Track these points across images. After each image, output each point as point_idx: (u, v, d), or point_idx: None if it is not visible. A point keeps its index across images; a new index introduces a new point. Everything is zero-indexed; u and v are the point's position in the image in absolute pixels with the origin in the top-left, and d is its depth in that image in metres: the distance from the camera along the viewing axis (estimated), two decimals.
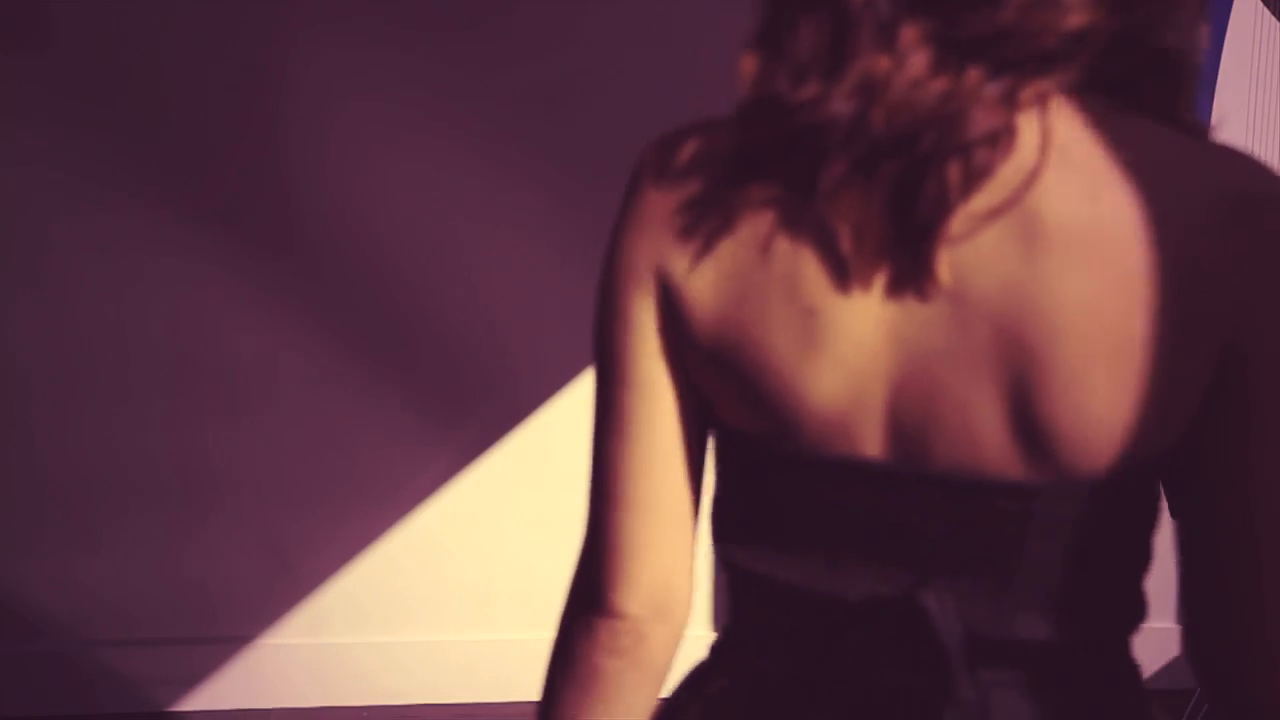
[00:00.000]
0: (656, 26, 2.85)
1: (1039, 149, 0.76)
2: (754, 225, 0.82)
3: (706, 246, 0.84)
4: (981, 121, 0.75)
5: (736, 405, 0.87)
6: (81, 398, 2.89)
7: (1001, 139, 0.75)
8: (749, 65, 0.82)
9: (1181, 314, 0.76)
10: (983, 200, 0.77)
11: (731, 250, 0.83)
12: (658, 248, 0.86)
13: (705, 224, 0.84)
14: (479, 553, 3.04)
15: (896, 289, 0.79)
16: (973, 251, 0.78)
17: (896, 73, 0.75)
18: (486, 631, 3.08)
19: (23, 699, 2.95)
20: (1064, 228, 0.76)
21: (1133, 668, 0.89)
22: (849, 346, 0.81)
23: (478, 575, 3.05)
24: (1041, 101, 0.77)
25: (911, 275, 0.78)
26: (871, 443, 0.83)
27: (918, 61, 0.75)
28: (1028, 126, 0.77)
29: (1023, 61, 0.75)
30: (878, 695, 0.85)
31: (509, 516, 3.03)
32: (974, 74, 0.75)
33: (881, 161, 0.76)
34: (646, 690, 0.95)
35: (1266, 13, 2.65)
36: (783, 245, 0.81)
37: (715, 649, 1.02)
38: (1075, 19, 0.75)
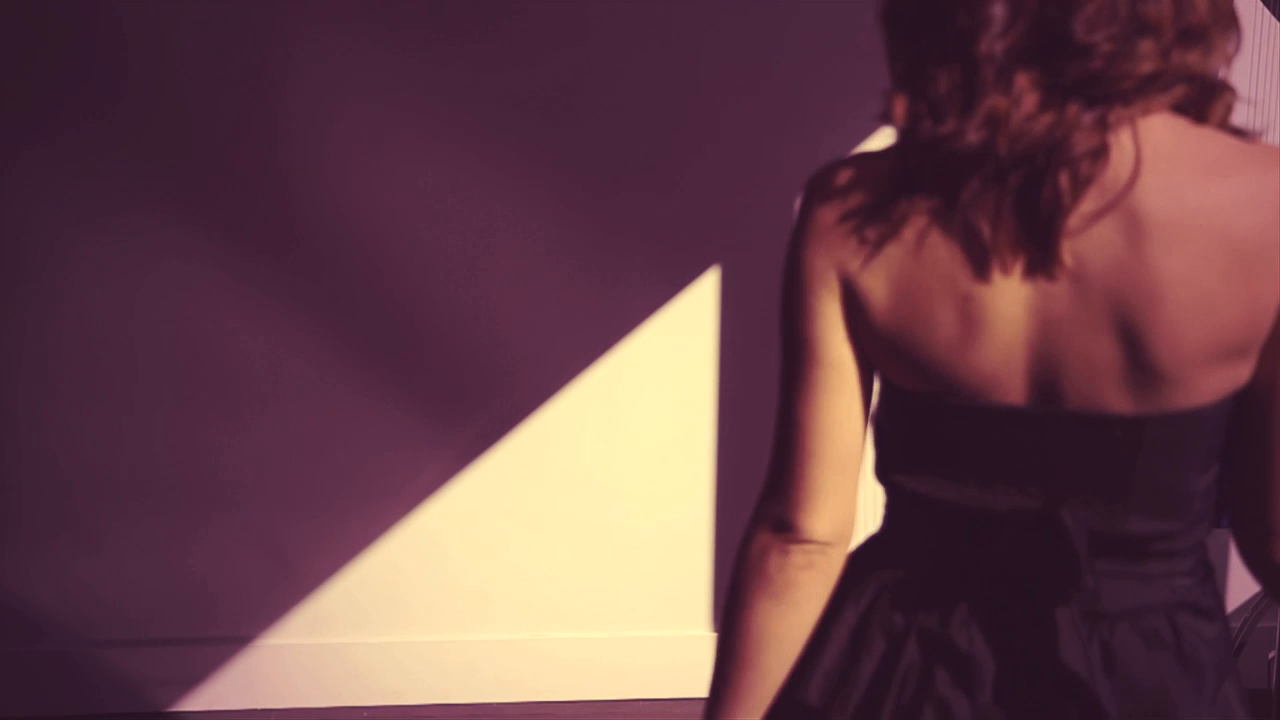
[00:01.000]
0: (658, 30, 2.85)
1: (1133, 161, 1.03)
2: (913, 231, 1.08)
3: (876, 250, 1.09)
4: (1082, 142, 1.01)
5: (907, 373, 1.12)
6: (83, 399, 2.89)
7: (1099, 154, 1.02)
8: (899, 107, 1.08)
9: (1250, 280, 1.03)
10: (1091, 203, 1.03)
11: (896, 252, 1.08)
12: (835, 253, 1.11)
13: (873, 232, 1.09)
14: (478, 553, 3.04)
15: (1030, 273, 1.05)
16: (1087, 241, 1.04)
17: (1014, 109, 1.01)
18: (486, 631, 3.08)
19: (24, 699, 2.94)
20: (1157, 219, 1.03)
21: (1206, 555, 1.15)
22: (997, 321, 1.07)
23: (477, 575, 3.05)
24: (1129, 125, 1.03)
25: (1041, 262, 1.05)
26: (1016, 392, 1.09)
27: (1030, 101, 1.01)
28: (1120, 144, 1.03)
29: (1109, 96, 1.02)
30: (1017, 584, 1.11)
31: (508, 517, 3.03)
32: (1073, 108, 1.01)
33: (1007, 176, 1.03)
34: (826, 593, 1.20)
35: (1266, 13, 2.65)
36: (937, 246, 1.07)
37: (872, 550, 1.23)
38: (1147, 66, 1.02)
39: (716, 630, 1.28)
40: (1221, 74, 1.08)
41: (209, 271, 2.86)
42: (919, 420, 1.14)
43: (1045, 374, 1.08)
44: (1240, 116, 1.10)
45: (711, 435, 3.03)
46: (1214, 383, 1.07)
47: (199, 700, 3.02)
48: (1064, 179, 1.02)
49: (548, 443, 3.00)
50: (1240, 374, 1.07)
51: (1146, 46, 1.02)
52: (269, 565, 2.99)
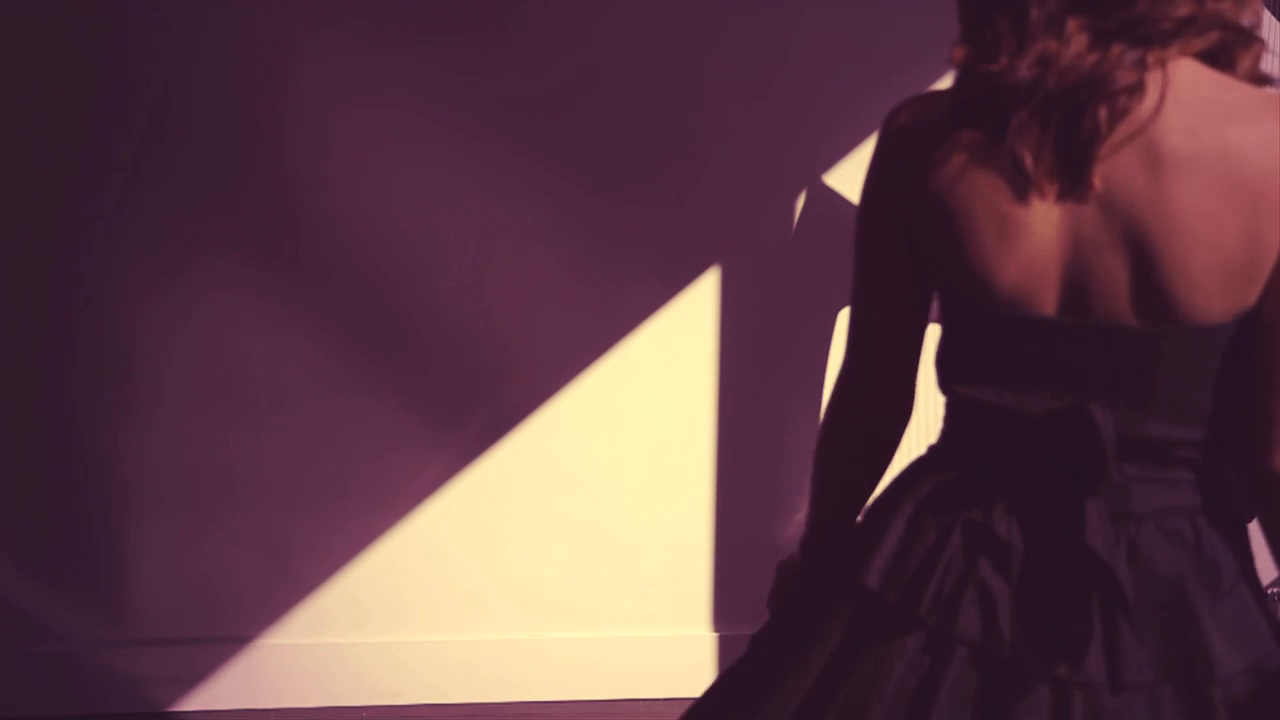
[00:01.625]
0: (658, 33, 2.85)
1: (1158, 99, 1.15)
2: (964, 158, 1.22)
3: (933, 175, 1.23)
4: (1122, 79, 1.14)
5: (954, 280, 1.26)
6: (84, 399, 2.89)
7: (1135, 90, 1.15)
8: (959, 53, 1.24)
9: (1256, 216, 1.15)
10: (1121, 133, 1.16)
11: (950, 176, 1.22)
12: (899, 178, 1.27)
13: (931, 159, 1.23)
14: (478, 553, 3.04)
15: (1063, 196, 1.18)
16: (1115, 168, 1.17)
17: (1064, 50, 1.15)
18: (486, 631, 3.08)
19: (24, 699, 2.95)
20: (1174, 154, 1.15)
21: (1219, 460, 1.26)
22: (1031, 238, 1.20)
23: (477, 575, 3.05)
24: (1162, 65, 1.16)
25: (1074, 186, 1.18)
26: (1048, 304, 1.22)
27: (1078, 42, 1.15)
28: (1153, 82, 1.16)
29: (1149, 38, 1.15)
30: (1053, 480, 1.23)
31: (508, 516, 3.03)
32: (1116, 48, 1.15)
33: (1053, 110, 1.16)
34: (888, 459, 1.42)
35: (1266, 12, 2.66)
36: (983, 171, 1.21)
37: (932, 455, 1.38)
38: (1184, 9, 1.15)
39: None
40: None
41: (210, 271, 2.86)
42: (966, 330, 1.29)
43: (1073, 288, 1.21)
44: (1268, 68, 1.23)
45: (711, 435, 3.04)
46: (1222, 304, 1.19)
47: (199, 700, 3.02)
48: (1103, 111, 1.15)
49: (548, 443, 3.01)
50: (1247, 296, 1.19)
51: None
52: (269, 565, 2.99)
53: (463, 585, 3.06)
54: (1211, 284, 1.18)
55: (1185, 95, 1.16)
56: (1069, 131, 1.17)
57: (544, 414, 2.99)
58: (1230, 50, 1.19)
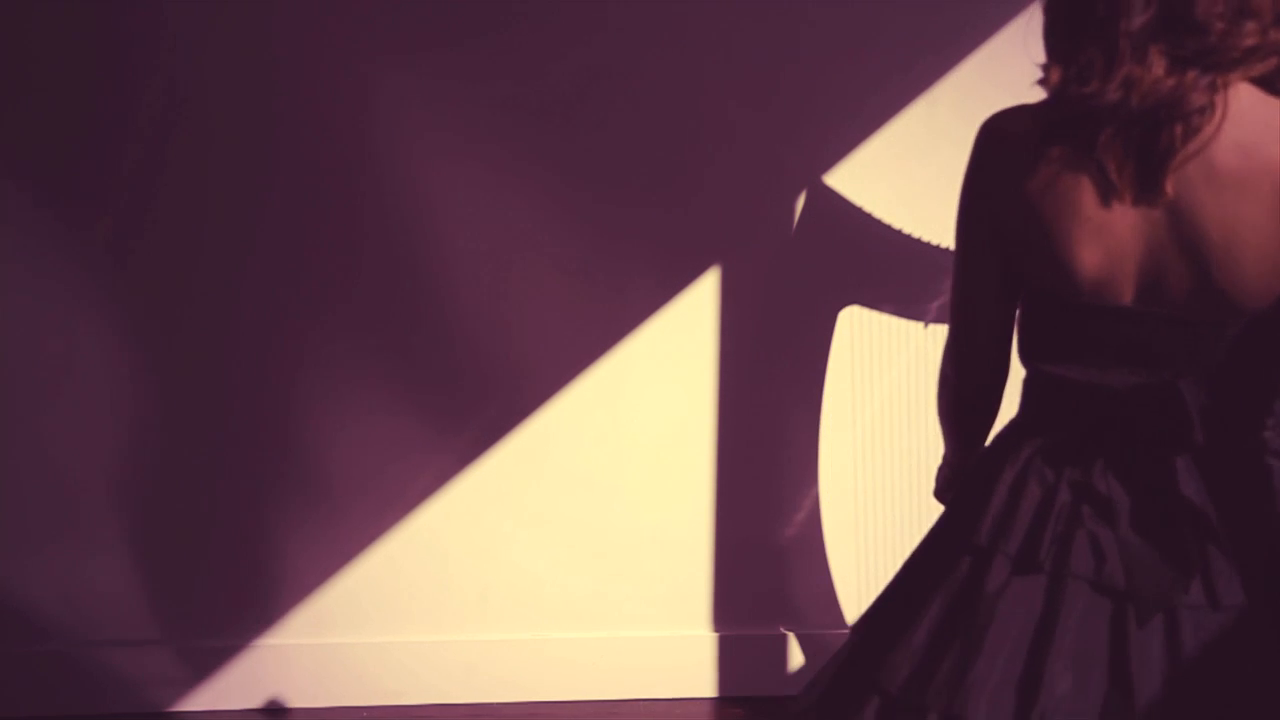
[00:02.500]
0: (661, 36, 2.85)
1: (1219, 119, 1.35)
2: (1054, 169, 1.42)
3: (1025, 183, 1.44)
4: (1196, 101, 1.34)
5: (1042, 273, 1.47)
6: (86, 400, 2.89)
7: (1206, 111, 1.34)
8: (1054, 74, 1.40)
9: None
10: (1190, 148, 1.35)
11: (1042, 184, 1.43)
12: (995, 183, 1.48)
13: (1024, 168, 1.44)
14: (478, 553, 3.04)
15: (1139, 202, 1.39)
16: (1183, 179, 1.37)
17: (1146, 75, 1.34)
18: (486, 631, 3.08)
19: (24, 699, 2.95)
20: (1229, 169, 1.36)
21: (1266, 421, 1.47)
22: (1111, 238, 1.41)
23: (477, 575, 3.06)
24: (1224, 88, 1.35)
25: (1149, 193, 1.38)
26: (1125, 296, 1.43)
27: (1158, 67, 1.34)
28: (1218, 103, 1.35)
29: (1218, 65, 1.34)
30: (1142, 442, 1.46)
31: (508, 516, 3.03)
32: (1191, 74, 1.34)
33: (1135, 127, 1.36)
34: (990, 423, 1.65)
35: None
36: (1071, 180, 1.41)
37: (1018, 427, 1.58)
38: (1250, 39, 1.34)
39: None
40: None
41: (211, 273, 2.86)
42: (1050, 316, 1.49)
43: (1146, 281, 1.42)
44: None
45: (712, 435, 3.04)
46: (1269, 294, 1.40)
47: (199, 700, 3.02)
48: (1179, 129, 1.35)
49: (548, 443, 3.01)
50: None
51: (1250, 26, 1.34)
52: (270, 565, 2.99)
53: (463, 585, 3.06)
54: (1261, 280, 1.38)
55: (1242, 116, 1.37)
56: (1148, 146, 1.37)
57: (544, 414, 2.99)
58: None
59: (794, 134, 2.90)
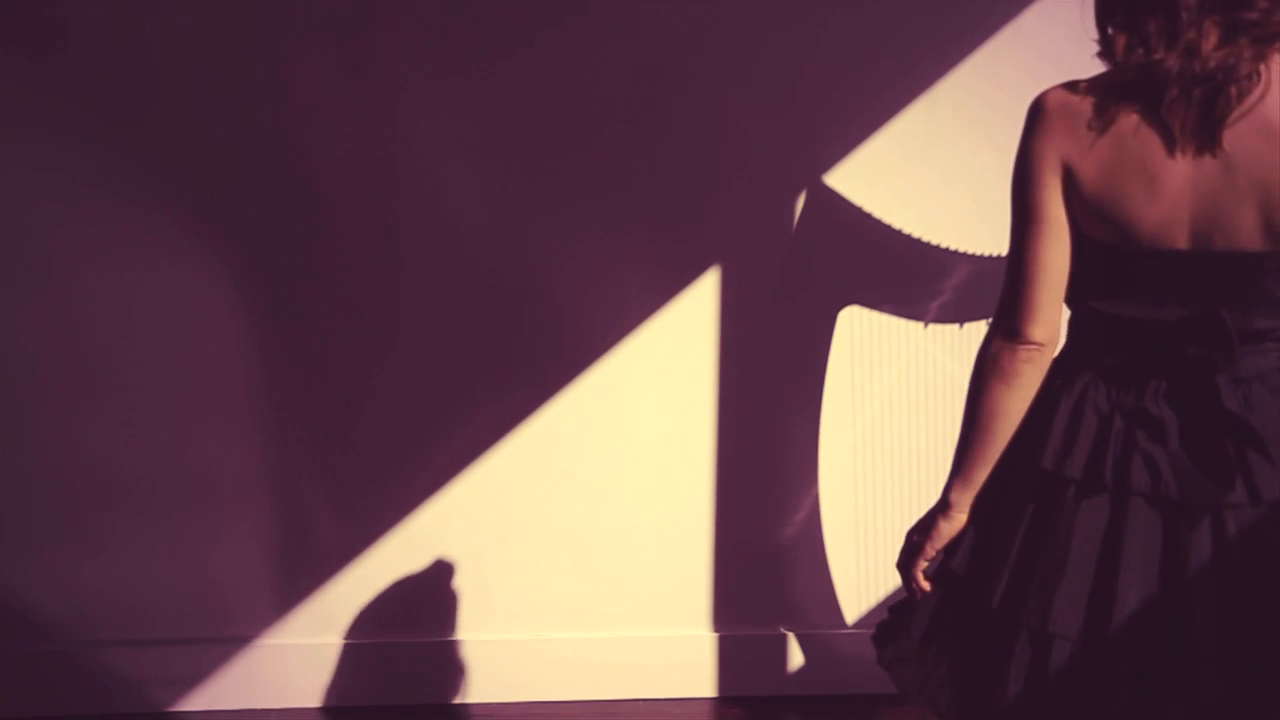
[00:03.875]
0: (660, 37, 2.85)
1: (1265, 83, 1.58)
2: (1119, 129, 1.61)
3: (1091, 142, 1.62)
4: (1247, 66, 1.57)
5: (1103, 228, 1.65)
6: (88, 402, 2.89)
7: (1254, 75, 1.57)
8: (1119, 43, 1.60)
9: None
10: (1242, 108, 1.57)
11: (1105, 144, 1.62)
12: (1059, 145, 1.64)
13: (1091, 130, 1.62)
14: (478, 553, 3.05)
15: (1198, 155, 1.59)
16: (1237, 135, 1.58)
17: (1204, 43, 1.57)
18: (486, 631, 3.08)
19: (26, 699, 2.95)
20: (1276, 126, 1.57)
21: None
22: (1170, 191, 1.60)
23: (477, 575, 3.06)
24: (1268, 59, 1.58)
25: (1207, 147, 1.58)
26: (1180, 240, 1.62)
27: (1213, 38, 1.57)
28: (1264, 70, 1.57)
29: (1263, 37, 1.57)
30: (1186, 366, 1.65)
31: (508, 516, 3.04)
32: (1243, 42, 1.57)
33: (1195, 89, 1.57)
34: (1039, 380, 1.72)
35: None
36: (1136, 139, 1.60)
37: (1065, 361, 1.74)
38: None
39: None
40: None
41: (210, 273, 2.86)
42: (1107, 263, 1.66)
43: (1199, 227, 1.61)
44: None
45: (712, 435, 3.04)
46: None
47: (199, 700, 3.02)
48: (1233, 90, 1.56)
49: (548, 443, 3.01)
50: None
51: None
52: (269, 565, 3.00)
53: (463, 585, 3.06)
54: None
55: None
56: (1207, 104, 1.57)
57: (544, 414, 3.00)
58: None
59: (794, 134, 2.90)
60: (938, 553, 1.80)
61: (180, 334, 2.89)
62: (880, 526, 3.06)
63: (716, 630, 3.11)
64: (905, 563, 1.83)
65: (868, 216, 2.95)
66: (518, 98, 2.86)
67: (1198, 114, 1.58)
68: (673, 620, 3.10)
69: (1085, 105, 1.63)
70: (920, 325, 2.99)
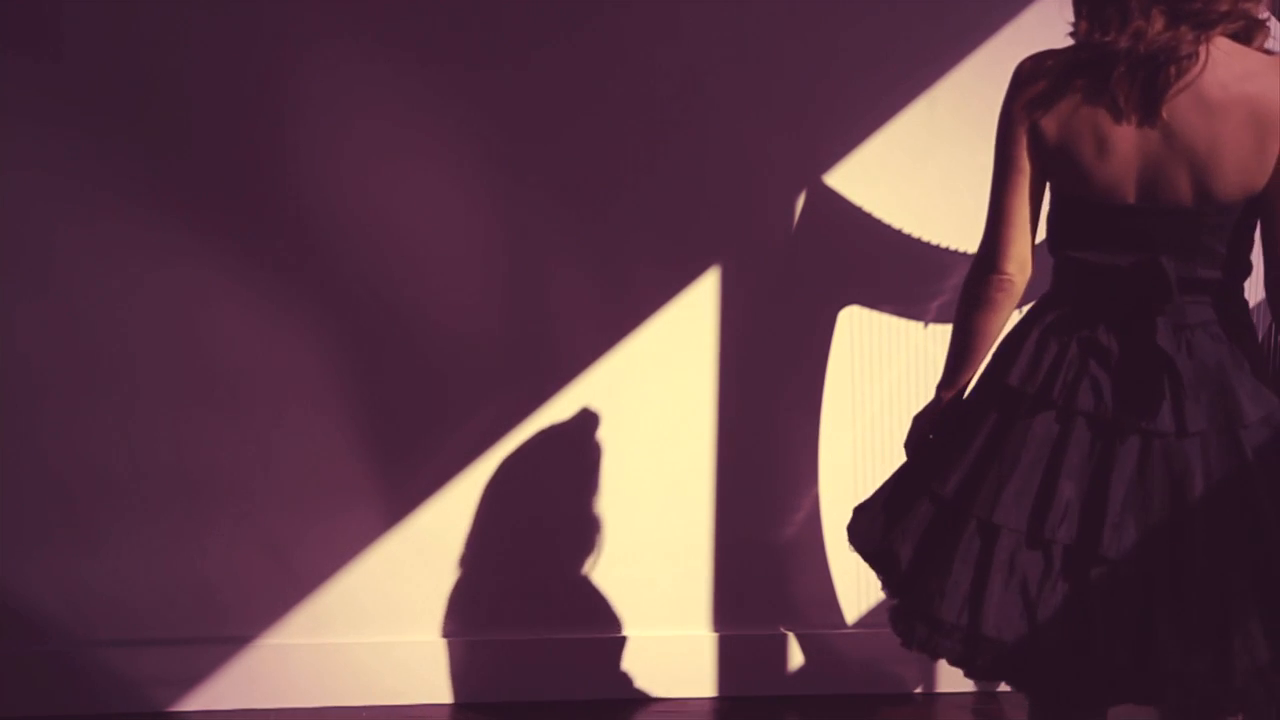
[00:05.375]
0: (661, 33, 2.85)
1: (1203, 63, 1.81)
2: (1076, 96, 1.86)
3: (1054, 107, 1.87)
4: (1185, 49, 1.79)
5: (1066, 181, 1.91)
6: (87, 401, 2.89)
7: (1192, 57, 1.80)
8: (1083, 26, 1.85)
9: (1265, 141, 1.83)
10: (1181, 84, 1.81)
11: (1065, 109, 1.87)
12: (1030, 107, 1.89)
13: (1053, 96, 1.87)
14: (478, 553, 3.04)
15: (1142, 124, 1.83)
16: (1175, 107, 1.82)
17: (1149, 28, 1.79)
18: (486, 631, 3.08)
19: (25, 699, 2.95)
20: (1213, 100, 1.81)
21: (1243, 296, 1.97)
22: (1119, 153, 1.85)
23: (477, 575, 3.05)
24: (1208, 41, 1.81)
25: (1149, 117, 1.82)
26: (1128, 196, 1.87)
27: (1158, 23, 1.79)
28: (1203, 52, 1.80)
29: (1202, 23, 1.79)
30: (1134, 306, 1.89)
31: (508, 516, 3.03)
32: (1184, 28, 1.79)
33: (1140, 67, 1.81)
34: (1013, 306, 1.99)
35: (1267, 12, 2.65)
36: (1089, 106, 1.85)
37: (1047, 299, 2.00)
38: (1225, 5, 1.80)
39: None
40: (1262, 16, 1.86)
41: (210, 273, 2.86)
42: (1074, 214, 1.93)
43: (1145, 185, 1.86)
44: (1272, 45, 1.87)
45: (712, 435, 3.04)
46: (1240, 190, 1.86)
47: (199, 700, 3.02)
48: (1172, 69, 1.80)
49: (548, 443, 3.01)
50: (1256, 185, 1.86)
51: None
52: (269, 565, 2.99)
53: (463, 585, 3.06)
54: (1234, 179, 1.84)
55: (1221, 61, 1.81)
56: (1149, 81, 1.81)
57: (544, 414, 2.99)
58: (1249, 32, 1.84)
59: (795, 134, 2.90)
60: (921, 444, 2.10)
61: (179, 334, 2.89)
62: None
63: (716, 630, 3.11)
64: (910, 446, 2.12)
65: (868, 216, 2.95)
66: (518, 99, 2.86)
67: (1141, 89, 1.82)
68: (673, 620, 3.10)
69: (1050, 73, 1.88)
70: (920, 325, 2.99)
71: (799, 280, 2.97)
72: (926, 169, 2.93)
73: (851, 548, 2.11)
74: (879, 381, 3.01)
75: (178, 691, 3.01)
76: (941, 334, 2.98)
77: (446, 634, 3.08)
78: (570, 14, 2.83)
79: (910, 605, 1.98)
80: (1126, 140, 1.84)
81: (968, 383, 2.06)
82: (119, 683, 2.99)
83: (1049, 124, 1.88)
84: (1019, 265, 1.96)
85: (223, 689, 3.02)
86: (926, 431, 2.10)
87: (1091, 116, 1.85)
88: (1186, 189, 1.85)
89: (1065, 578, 1.88)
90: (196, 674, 3.02)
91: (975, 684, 3.13)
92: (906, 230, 2.94)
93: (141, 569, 2.96)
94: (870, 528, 2.05)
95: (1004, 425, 1.94)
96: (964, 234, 2.94)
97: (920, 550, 1.97)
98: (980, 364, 2.04)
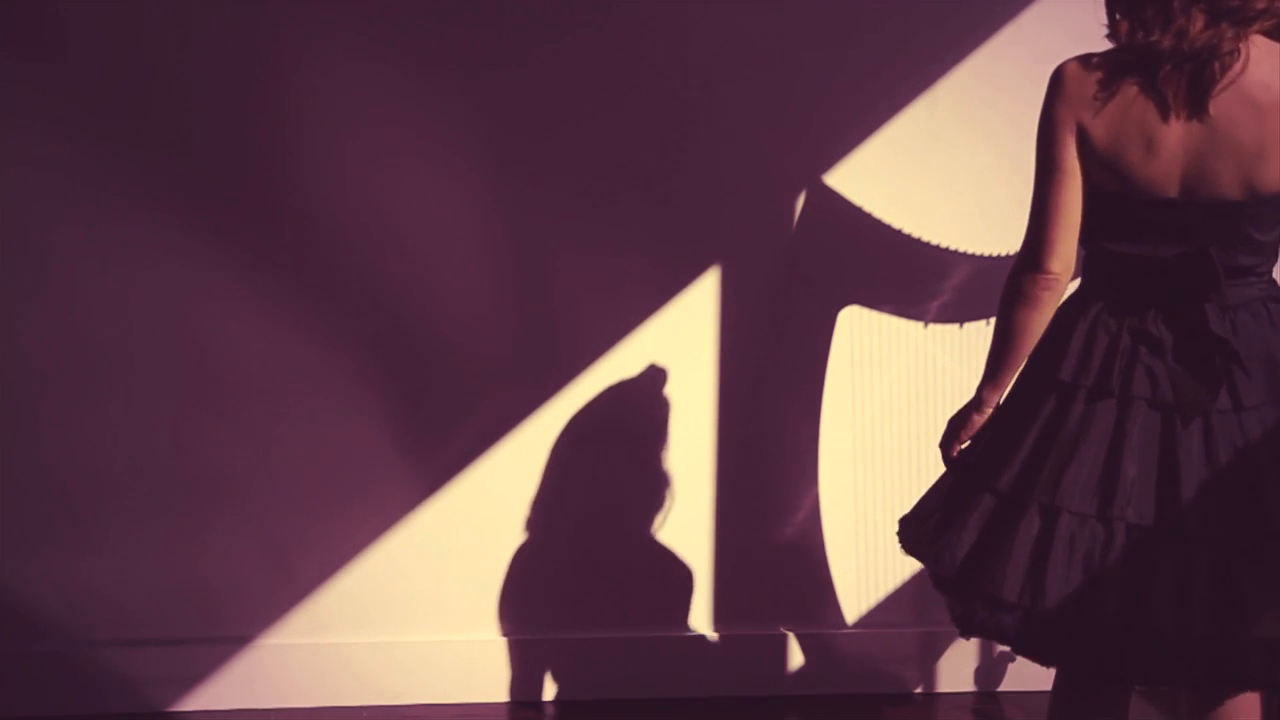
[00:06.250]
0: (661, 35, 2.85)
1: (1244, 60, 1.87)
2: (1123, 97, 1.91)
3: (1101, 109, 1.92)
4: (1228, 46, 1.86)
5: (1111, 179, 1.95)
6: (86, 401, 2.89)
7: (1234, 54, 1.87)
8: (1123, 26, 1.90)
9: None
10: (1225, 81, 1.87)
11: (1112, 110, 1.92)
12: (1075, 109, 1.94)
13: (1100, 98, 1.92)
14: (478, 553, 3.04)
15: (1189, 120, 1.89)
16: (1221, 104, 1.88)
17: (1191, 27, 1.86)
18: (486, 631, 3.08)
19: (24, 699, 2.95)
20: (1258, 97, 1.88)
21: (1274, 280, 2.04)
22: (1166, 150, 1.91)
23: (478, 575, 3.05)
24: (1246, 39, 1.88)
25: (1197, 113, 1.89)
26: (1172, 190, 1.93)
27: (1199, 22, 1.86)
28: (1243, 49, 1.87)
29: (1240, 21, 1.86)
30: (1180, 295, 1.96)
31: (509, 516, 3.03)
32: (1225, 26, 1.86)
33: (1185, 64, 1.87)
34: (1056, 304, 2.02)
35: None
36: (1137, 105, 1.91)
37: (1082, 294, 2.06)
38: (1261, 4, 1.87)
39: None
40: None
41: (210, 273, 2.86)
42: (1114, 209, 1.97)
43: (1188, 180, 1.92)
44: None
45: (712, 436, 3.04)
46: (1278, 183, 1.92)
47: (198, 700, 3.02)
48: (1216, 66, 1.86)
49: (548, 443, 3.01)
50: None
51: None
52: (269, 565, 2.99)
53: (463, 585, 3.06)
54: (1275, 172, 1.90)
55: (1261, 58, 1.89)
56: (1195, 79, 1.87)
57: (544, 414, 2.99)
58: None
59: (794, 134, 2.90)
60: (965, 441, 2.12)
61: (178, 333, 2.89)
62: (880, 526, 3.06)
63: (716, 630, 3.11)
64: (945, 446, 2.14)
65: (868, 216, 2.95)
66: (519, 99, 2.86)
67: (1188, 86, 1.87)
68: (673, 620, 3.10)
69: (1096, 76, 1.92)
70: (920, 325, 2.99)
71: (799, 280, 2.97)
72: (927, 169, 2.93)
73: (904, 551, 2.13)
74: (879, 381, 3.01)
75: (177, 691, 3.01)
76: (942, 334, 2.98)
77: (446, 634, 3.07)
78: (570, 15, 2.83)
79: (968, 590, 2.00)
80: (1174, 138, 1.89)
81: (1010, 381, 2.09)
82: (118, 682, 2.99)
83: (1098, 127, 1.92)
84: (1064, 264, 1.99)
85: (222, 689, 3.02)
86: (963, 433, 2.11)
87: (1141, 117, 1.90)
88: (1232, 184, 1.90)
89: (1136, 555, 1.91)
90: (196, 674, 3.01)
91: (976, 684, 3.14)
92: (906, 230, 2.94)
93: (141, 568, 2.96)
94: (923, 529, 2.09)
95: (1058, 415, 1.98)
96: (964, 234, 2.94)
97: (979, 542, 2.00)
98: (1023, 362, 2.06)
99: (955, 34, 2.89)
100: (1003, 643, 2.02)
